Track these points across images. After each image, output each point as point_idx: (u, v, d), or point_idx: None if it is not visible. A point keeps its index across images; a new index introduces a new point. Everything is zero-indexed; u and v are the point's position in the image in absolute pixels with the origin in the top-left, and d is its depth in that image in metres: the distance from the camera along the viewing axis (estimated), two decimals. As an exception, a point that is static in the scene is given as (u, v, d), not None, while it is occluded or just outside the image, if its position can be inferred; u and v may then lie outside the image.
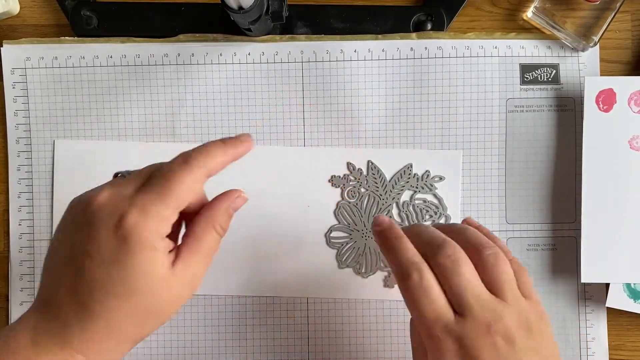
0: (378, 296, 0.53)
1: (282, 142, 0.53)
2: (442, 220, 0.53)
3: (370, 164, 0.53)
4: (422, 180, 0.53)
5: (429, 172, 0.53)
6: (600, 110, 0.51)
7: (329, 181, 0.53)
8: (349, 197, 0.53)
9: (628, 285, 0.51)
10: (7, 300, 0.54)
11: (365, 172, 0.53)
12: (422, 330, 0.37)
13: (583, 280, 0.51)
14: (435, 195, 0.53)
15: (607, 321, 0.53)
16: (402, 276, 0.37)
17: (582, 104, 0.51)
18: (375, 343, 0.53)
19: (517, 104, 0.53)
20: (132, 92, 0.53)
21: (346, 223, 0.53)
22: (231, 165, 0.51)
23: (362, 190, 0.53)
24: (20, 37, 0.54)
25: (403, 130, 0.53)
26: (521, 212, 0.53)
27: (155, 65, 0.53)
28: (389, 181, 0.53)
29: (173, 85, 0.53)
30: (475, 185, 0.53)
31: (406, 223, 0.53)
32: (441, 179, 0.53)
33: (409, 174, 0.53)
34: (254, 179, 0.53)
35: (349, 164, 0.53)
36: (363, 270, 0.53)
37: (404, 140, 0.53)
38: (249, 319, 0.53)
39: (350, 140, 0.53)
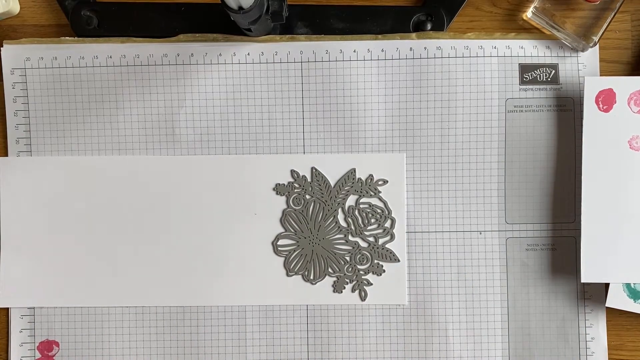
0: (328, 301, 0.53)
1: (281, 142, 0.53)
2: (387, 223, 0.53)
3: (314, 170, 0.53)
4: (366, 184, 0.53)
5: (372, 175, 0.53)
6: (600, 110, 0.51)
7: (274, 189, 0.53)
8: (294, 205, 0.53)
9: (628, 285, 0.51)
10: None
11: (309, 179, 0.53)
12: None
13: (583, 280, 0.51)
14: (380, 199, 0.53)
15: (607, 321, 0.53)
16: None
17: (581, 104, 0.51)
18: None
19: (516, 104, 0.53)
20: (132, 92, 0.53)
21: (293, 230, 0.53)
22: (175, 176, 0.53)
23: (307, 197, 0.53)
24: (20, 37, 0.54)
25: (402, 130, 0.53)
26: (521, 212, 0.53)
27: (155, 65, 0.53)
28: (334, 187, 0.53)
29: (172, 85, 0.53)
30: (474, 185, 0.53)
31: (352, 227, 0.53)
32: (385, 182, 0.53)
33: (353, 178, 0.53)
34: (199, 187, 0.53)
35: (292, 172, 0.53)
36: (312, 277, 0.53)
37: (402, 140, 0.53)
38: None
39: (349, 140, 0.53)
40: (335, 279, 0.53)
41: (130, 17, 0.53)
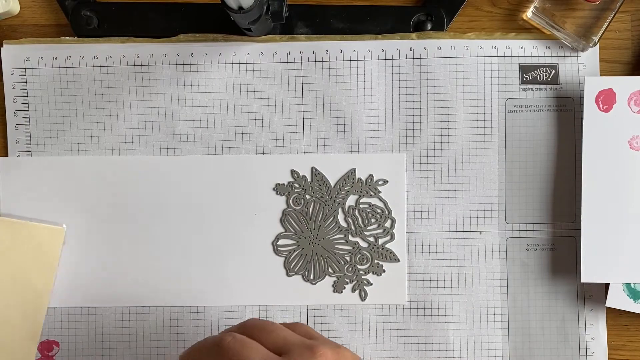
0: (328, 301, 0.53)
1: (281, 142, 0.53)
2: (387, 223, 0.53)
3: (314, 170, 0.53)
4: (366, 184, 0.53)
5: (372, 175, 0.53)
6: (600, 110, 0.51)
7: (274, 189, 0.53)
8: (294, 205, 0.53)
9: (628, 285, 0.51)
10: None
11: (309, 179, 0.53)
12: None
13: (583, 280, 0.51)
14: (380, 199, 0.53)
15: (607, 321, 0.53)
16: None
17: (581, 104, 0.51)
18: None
19: (516, 104, 0.53)
20: (132, 92, 0.53)
21: (293, 230, 0.53)
22: (175, 176, 0.53)
23: (307, 197, 0.53)
24: (20, 37, 0.54)
25: (402, 130, 0.53)
26: (521, 212, 0.53)
27: (155, 65, 0.53)
28: (334, 187, 0.53)
29: (172, 85, 0.53)
30: (474, 185, 0.53)
31: (352, 227, 0.53)
32: (385, 182, 0.53)
33: (353, 178, 0.53)
34: (199, 187, 0.53)
35: (292, 172, 0.53)
36: (312, 277, 0.53)
37: (402, 140, 0.53)
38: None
39: (349, 140, 0.53)
40: (335, 279, 0.53)
41: (130, 17, 0.53)
